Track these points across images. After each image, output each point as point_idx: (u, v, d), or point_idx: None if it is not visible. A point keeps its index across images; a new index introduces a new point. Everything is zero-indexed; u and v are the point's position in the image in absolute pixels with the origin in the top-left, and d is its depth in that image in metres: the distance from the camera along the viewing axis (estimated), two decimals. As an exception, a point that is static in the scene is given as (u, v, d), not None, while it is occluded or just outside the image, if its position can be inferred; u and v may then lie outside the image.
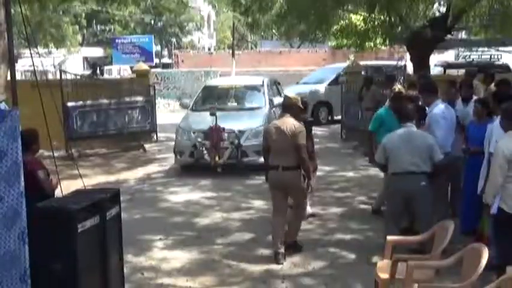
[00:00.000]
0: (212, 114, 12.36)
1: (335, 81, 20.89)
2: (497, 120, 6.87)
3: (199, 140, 12.43)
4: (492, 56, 23.97)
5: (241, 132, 12.50)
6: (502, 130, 6.25)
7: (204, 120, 12.74)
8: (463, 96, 9.22)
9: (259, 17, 18.75)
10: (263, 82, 14.90)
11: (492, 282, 4.65)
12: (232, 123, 12.64)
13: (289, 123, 7.40)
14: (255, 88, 14.74)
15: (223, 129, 12.33)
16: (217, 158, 12.18)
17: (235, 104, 14.27)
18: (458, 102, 9.09)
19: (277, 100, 13.86)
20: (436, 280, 5.72)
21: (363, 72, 18.14)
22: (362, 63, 22.69)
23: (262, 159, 10.77)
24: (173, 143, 13.37)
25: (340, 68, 22.75)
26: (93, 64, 27.48)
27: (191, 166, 12.71)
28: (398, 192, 7.01)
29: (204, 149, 12.34)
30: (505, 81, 9.87)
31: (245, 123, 12.84)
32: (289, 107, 7.63)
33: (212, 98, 14.54)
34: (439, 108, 7.89)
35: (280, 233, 7.54)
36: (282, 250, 7.47)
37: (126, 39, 45.23)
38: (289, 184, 7.44)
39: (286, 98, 7.98)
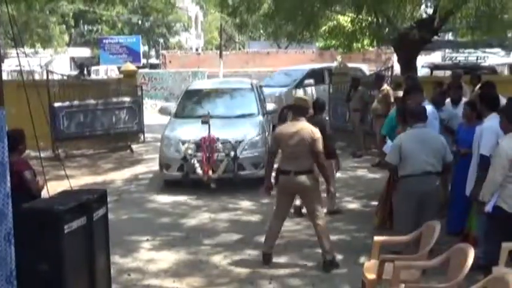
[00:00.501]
0: (205, 122, 10.97)
1: (300, 84, 19.83)
2: (487, 121, 6.92)
3: (190, 151, 11.06)
4: (479, 58, 24.12)
5: (238, 142, 11.21)
6: (502, 131, 6.31)
7: (193, 128, 11.37)
8: (452, 98, 9.28)
9: (247, 17, 18.74)
10: (252, 85, 13.79)
11: (478, 282, 4.68)
12: (226, 132, 11.30)
13: (307, 128, 7.18)
14: (244, 92, 13.42)
15: (218, 139, 11.07)
16: (210, 172, 10.90)
17: (225, 110, 12.61)
18: (446, 104, 9.17)
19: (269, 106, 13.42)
20: (422, 280, 5.75)
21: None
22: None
23: (261, 172, 10.47)
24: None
25: (305, 69, 21.32)
26: (81, 64, 27.33)
27: (179, 181, 11.29)
28: (414, 193, 6.84)
29: (195, 161, 11.00)
30: (489, 84, 9.89)
31: (240, 132, 11.50)
32: (302, 109, 7.40)
33: (197, 104, 13.10)
34: (429, 108, 7.92)
35: (275, 236, 7.50)
36: (271, 251, 7.45)
37: (114, 40, 45.07)
38: (300, 188, 7.24)
39: (299, 99, 7.72)
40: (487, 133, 6.76)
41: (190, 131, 11.45)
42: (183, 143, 11.24)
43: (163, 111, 13.90)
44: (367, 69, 23.04)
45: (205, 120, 10.99)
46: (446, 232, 7.50)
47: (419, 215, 6.79)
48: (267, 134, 11.91)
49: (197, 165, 10.94)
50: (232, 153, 11.02)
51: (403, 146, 6.95)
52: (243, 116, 12.48)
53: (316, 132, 7.17)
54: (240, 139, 11.28)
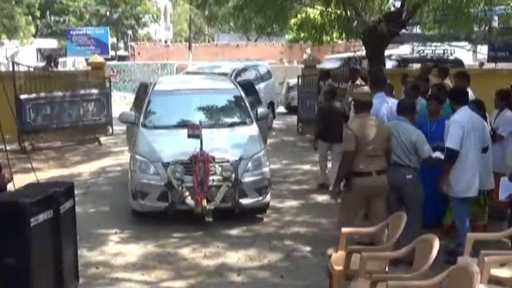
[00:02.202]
0: (194, 136, 8.50)
1: None
2: (456, 115, 6.99)
3: (177, 175, 8.46)
4: (445, 51, 24.33)
5: (237, 161, 8.67)
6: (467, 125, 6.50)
7: (177, 144, 8.85)
8: (421, 91, 9.35)
9: (216, 10, 18.66)
10: (235, 84, 11.30)
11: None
12: (221, 148, 8.85)
13: (380, 123, 7.00)
14: (228, 93, 10.67)
15: (214, 158, 8.59)
16: (204, 202, 8.34)
17: (210, 117, 10.08)
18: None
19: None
20: (389, 271, 5.81)
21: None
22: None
23: (266, 200, 8.99)
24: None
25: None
26: (49, 56, 26.87)
27: (160, 213, 8.67)
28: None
29: (184, 189, 8.43)
30: (461, 75, 9.85)
31: (239, 147, 9.00)
32: (368, 104, 6.99)
33: (171, 109, 10.12)
34: (376, 101, 7.86)
35: None
36: None
37: (81, 31, 44.45)
38: (380, 190, 6.79)
39: (361, 95, 7.21)
40: (454, 126, 6.86)
41: (174, 148, 8.86)
42: (166, 164, 8.59)
43: (124, 118, 10.60)
44: (267, 64, 22.05)
45: (196, 133, 8.51)
46: (422, 226, 7.54)
47: (400, 208, 6.74)
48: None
49: (187, 193, 8.41)
50: (232, 176, 8.52)
51: None
52: (234, 124, 9.98)
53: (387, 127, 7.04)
54: (239, 157, 8.77)
